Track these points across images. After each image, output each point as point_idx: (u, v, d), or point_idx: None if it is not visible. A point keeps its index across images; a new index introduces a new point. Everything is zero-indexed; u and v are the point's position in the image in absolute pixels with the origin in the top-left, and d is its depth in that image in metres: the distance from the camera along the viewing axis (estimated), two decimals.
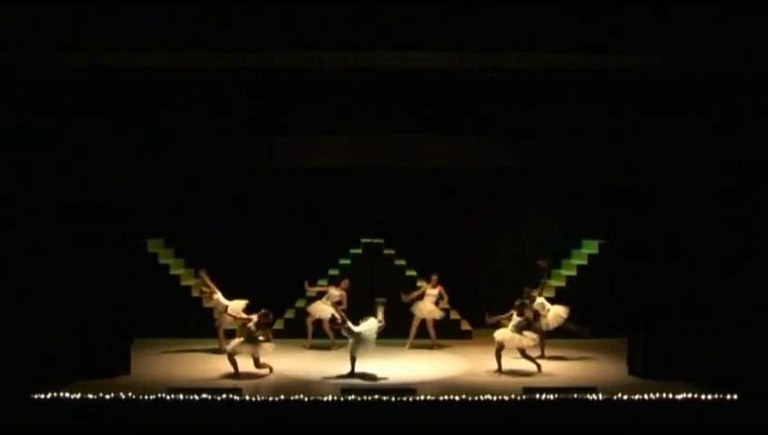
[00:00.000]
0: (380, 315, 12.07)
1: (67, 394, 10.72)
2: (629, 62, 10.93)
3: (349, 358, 12.00)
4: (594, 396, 10.72)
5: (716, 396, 10.80)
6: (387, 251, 15.40)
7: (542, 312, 12.84)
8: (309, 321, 13.92)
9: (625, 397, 10.73)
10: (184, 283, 14.98)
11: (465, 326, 14.93)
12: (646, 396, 10.75)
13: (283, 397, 10.64)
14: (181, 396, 10.58)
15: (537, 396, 10.68)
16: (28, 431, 10.32)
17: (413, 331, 14.00)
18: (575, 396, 10.73)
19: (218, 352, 13.18)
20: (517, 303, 12.31)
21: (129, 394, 10.63)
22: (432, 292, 13.81)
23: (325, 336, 13.77)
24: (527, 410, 10.52)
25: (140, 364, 12.48)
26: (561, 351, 13.48)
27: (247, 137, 12.49)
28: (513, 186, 15.63)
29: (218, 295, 13.29)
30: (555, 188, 15.67)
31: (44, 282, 11.49)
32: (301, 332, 14.06)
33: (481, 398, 10.62)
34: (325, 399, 10.58)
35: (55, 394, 10.68)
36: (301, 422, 10.37)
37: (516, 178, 15.42)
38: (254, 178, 15.25)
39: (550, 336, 13.26)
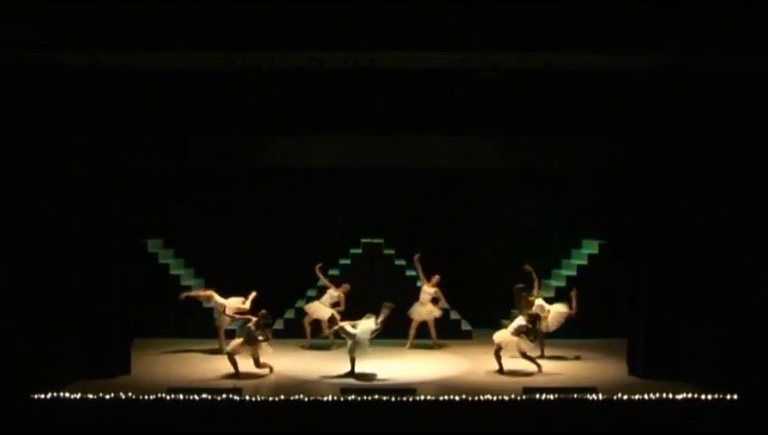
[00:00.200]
0: (381, 318, 12.05)
1: (67, 394, 10.71)
2: (629, 62, 10.93)
3: (348, 358, 12.00)
4: (594, 396, 10.72)
5: (716, 396, 10.79)
6: (387, 251, 15.41)
7: (541, 314, 12.83)
8: (306, 321, 13.93)
9: (625, 397, 10.72)
10: (184, 283, 14.97)
11: (466, 326, 14.94)
12: (646, 396, 10.74)
13: (283, 397, 10.64)
14: (181, 396, 10.57)
15: (537, 396, 10.67)
16: (28, 431, 10.32)
17: (412, 332, 14.00)
18: (575, 396, 10.72)
19: (217, 352, 13.19)
20: (532, 312, 12.32)
21: (129, 394, 10.62)
22: (429, 290, 13.80)
23: (325, 336, 13.76)
24: (527, 410, 10.52)
25: (140, 364, 12.47)
26: (561, 351, 13.48)
27: (247, 137, 12.49)
28: (513, 186, 15.63)
29: (215, 296, 13.29)
30: (555, 188, 15.68)
31: (44, 282, 11.49)
32: (300, 332, 14.05)
33: (481, 398, 10.61)
34: (325, 399, 10.57)
35: (55, 394, 10.67)
36: (301, 422, 10.37)
37: (516, 179, 15.41)
38: (254, 178, 15.25)
39: (549, 336, 13.24)
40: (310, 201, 15.72)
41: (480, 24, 10.29)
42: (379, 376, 11.98)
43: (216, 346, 13.39)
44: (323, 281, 13.89)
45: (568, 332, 13.47)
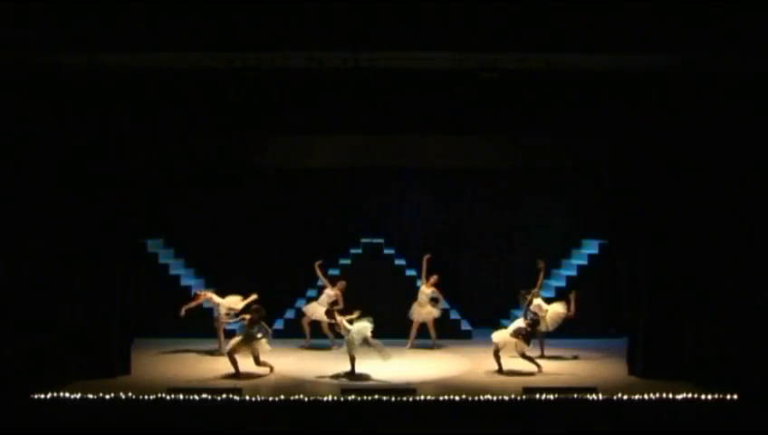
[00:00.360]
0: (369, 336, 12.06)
1: (67, 394, 10.71)
2: (629, 62, 10.93)
3: (348, 358, 12.00)
4: (594, 396, 10.72)
5: (716, 396, 10.79)
6: (387, 251, 15.41)
7: (540, 314, 12.83)
8: (304, 322, 13.93)
9: (625, 397, 10.73)
10: (184, 283, 14.98)
11: (465, 326, 14.94)
12: (646, 396, 10.74)
13: (283, 397, 10.64)
14: (181, 396, 10.57)
15: (537, 396, 10.68)
16: (28, 431, 10.32)
17: (413, 332, 14.01)
18: (575, 396, 10.73)
19: (216, 352, 13.23)
20: (533, 317, 12.32)
21: (129, 394, 10.63)
22: (426, 291, 13.80)
23: (324, 336, 13.77)
24: (527, 410, 10.52)
25: (140, 364, 12.47)
26: (561, 351, 13.47)
27: (247, 137, 12.49)
28: (513, 186, 15.63)
29: (213, 296, 13.30)
30: (555, 188, 15.68)
31: (44, 282, 11.49)
32: (301, 332, 14.05)
33: (481, 398, 10.62)
34: (325, 399, 10.58)
35: (55, 394, 10.67)
36: (301, 422, 10.37)
37: (516, 178, 15.42)
38: (254, 178, 15.25)
39: (549, 336, 13.25)
40: (310, 201, 15.73)
41: (480, 24, 10.29)
42: (379, 376, 11.98)
43: (215, 346, 13.38)
44: (322, 279, 13.89)
45: (568, 332, 13.48)
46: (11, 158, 11.37)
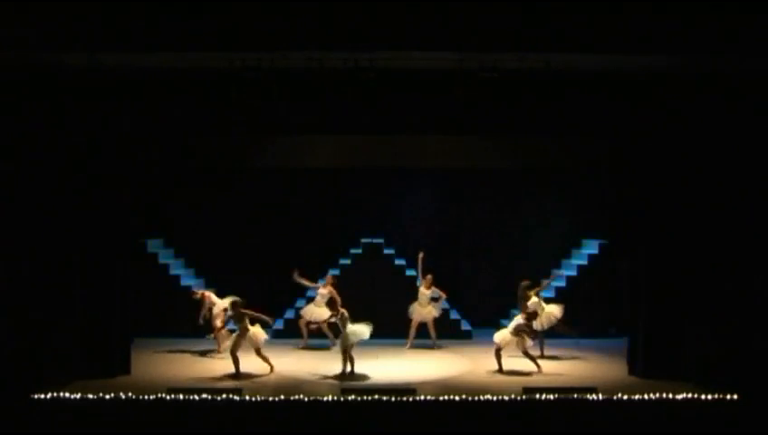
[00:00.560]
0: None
1: (67, 394, 10.71)
2: (629, 62, 10.93)
3: (347, 357, 11.99)
4: (594, 396, 10.72)
5: (716, 396, 10.79)
6: (387, 251, 15.41)
7: (537, 311, 12.84)
8: (302, 323, 13.93)
9: (625, 397, 10.73)
10: (184, 283, 14.98)
11: (465, 326, 14.94)
12: (646, 396, 10.74)
13: (282, 397, 10.64)
14: (181, 396, 10.57)
15: (537, 396, 10.68)
16: (28, 431, 10.32)
17: (412, 332, 14.01)
18: (575, 396, 10.73)
19: (206, 354, 13.24)
20: (530, 310, 12.31)
21: (129, 394, 10.63)
22: (425, 292, 13.80)
23: (324, 337, 13.77)
24: (527, 410, 10.52)
25: (140, 364, 12.47)
26: (561, 351, 13.47)
27: (247, 137, 12.49)
28: (513, 186, 15.63)
29: (211, 296, 13.30)
30: (555, 188, 15.68)
31: (44, 282, 11.49)
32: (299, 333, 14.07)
33: (481, 398, 10.62)
34: (325, 399, 10.58)
35: (55, 394, 10.67)
36: (301, 422, 10.37)
37: (516, 178, 15.42)
38: (254, 178, 15.25)
39: (549, 336, 13.25)
40: (310, 201, 15.73)
41: (480, 24, 10.29)
42: (379, 376, 11.98)
43: (214, 347, 13.38)
44: (307, 284, 13.85)
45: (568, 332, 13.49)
46: (11, 158, 11.36)
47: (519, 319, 12.18)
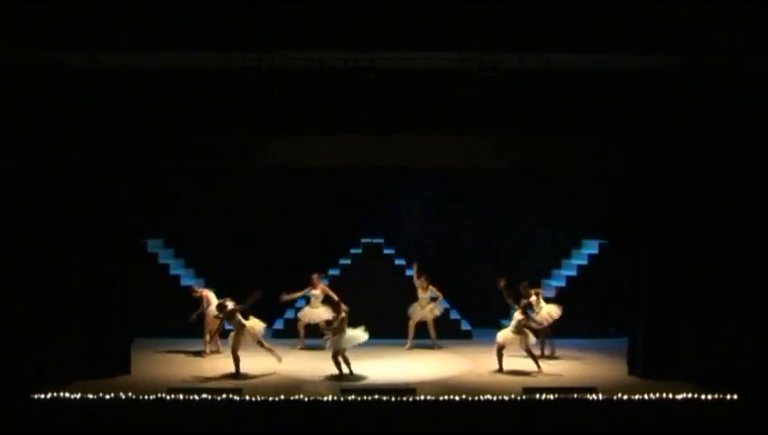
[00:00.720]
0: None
1: (67, 394, 10.71)
2: (630, 62, 10.93)
3: (338, 362, 11.98)
4: (594, 396, 10.72)
5: (716, 396, 10.79)
6: (387, 251, 15.41)
7: (535, 308, 12.84)
8: (300, 325, 13.91)
9: (625, 397, 10.73)
10: (184, 283, 14.98)
11: (465, 326, 14.94)
12: (646, 396, 10.74)
13: (283, 397, 10.64)
14: (181, 396, 10.57)
15: (537, 396, 10.68)
16: (28, 431, 10.32)
17: (411, 332, 13.99)
18: (575, 396, 10.73)
19: (200, 353, 13.28)
20: (524, 302, 12.30)
21: (129, 394, 10.63)
22: (424, 295, 13.80)
23: (323, 336, 13.74)
24: (527, 410, 10.52)
25: (140, 364, 12.47)
26: (561, 351, 13.47)
27: (247, 137, 12.49)
28: (513, 186, 15.63)
29: (208, 294, 13.30)
30: (555, 188, 15.68)
31: (44, 282, 11.49)
32: (311, 332, 14.05)
33: (481, 398, 10.62)
34: (325, 399, 10.58)
35: (55, 394, 10.67)
36: (301, 422, 10.37)
37: (516, 179, 15.42)
38: (254, 178, 15.25)
39: (549, 336, 13.24)
40: (310, 201, 15.72)
41: (480, 23, 10.29)
42: (379, 376, 11.98)
43: (215, 347, 13.38)
44: (296, 296, 13.80)
45: (568, 332, 13.48)
46: (11, 158, 11.36)
47: (518, 315, 12.17)
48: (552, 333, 13.16)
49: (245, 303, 11.98)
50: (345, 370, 11.92)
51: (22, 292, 11.41)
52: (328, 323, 12.42)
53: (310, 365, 12.66)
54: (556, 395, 10.68)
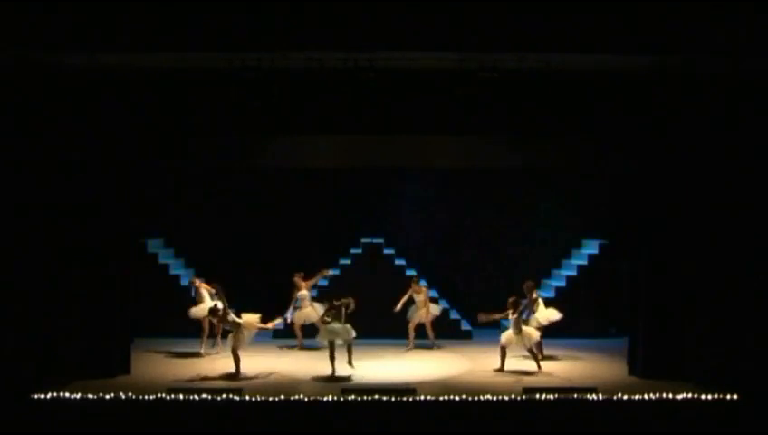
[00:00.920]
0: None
1: (67, 394, 10.71)
2: (630, 62, 10.93)
3: (344, 358, 11.98)
4: (594, 396, 10.72)
5: (716, 396, 10.79)
6: (387, 251, 15.41)
7: (534, 306, 12.84)
8: (297, 326, 13.90)
9: (625, 397, 10.73)
10: (184, 283, 14.98)
11: (465, 326, 14.94)
12: (646, 396, 10.74)
13: (283, 397, 10.64)
14: (181, 396, 10.57)
15: (537, 396, 10.68)
16: (28, 431, 10.32)
17: (411, 333, 13.98)
18: (575, 396, 10.73)
19: (199, 355, 13.28)
20: (510, 300, 12.26)
21: (129, 394, 10.63)
22: (418, 297, 13.79)
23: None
24: (527, 410, 10.52)
25: (140, 364, 12.48)
26: (561, 351, 13.47)
27: (247, 137, 12.50)
28: (514, 186, 15.63)
29: (205, 290, 13.32)
30: (555, 188, 15.68)
31: (44, 282, 11.49)
32: (309, 332, 14.03)
33: (481, 398, 10.62)
34: (325, 399, 10.58)
35: (55, 394, 10.67)
36: (301, 422, 10.37)
37: (516, 178, 15.42)
38: (254, 178, 15.25)
39: (548, 336, 13.24)
40: (310, 201, 15.73)
41: (480, 23, 10.29)
42: (379, 376, 11.98)
43: (215, 347, 13.39)
44: (292, 307, 13.77)
45: (568, 332, 13.48)
46: (11, 158, 11.36)
47: (511, 316, 12.13)
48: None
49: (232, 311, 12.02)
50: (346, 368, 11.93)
51: (22, 292, 11.40)
52: (331, 307, 12.31)
53: (309, 365, 12.63)
54: (556, 395, 10.68)
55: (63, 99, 11.36)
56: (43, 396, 10.60)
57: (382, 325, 13.73)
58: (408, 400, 10.57)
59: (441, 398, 10.60)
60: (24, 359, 11.27)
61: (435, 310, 13.94)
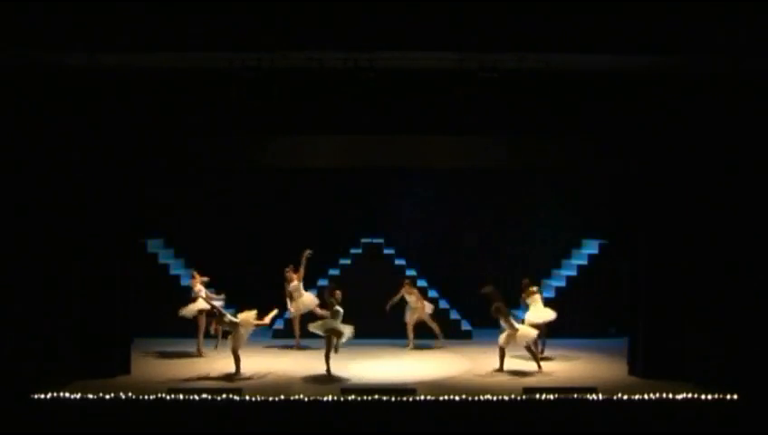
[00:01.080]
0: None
1: (67, 394, 10.71)
2: (629, 62, 10.93)
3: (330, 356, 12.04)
4: (594, 396, 10.72)
5: (716, 396, 10.79)
6: (387, 251, 15.41)
7: (532, 303, 12.84)
8: (296, 322, 13.88)
9: (625, 397, 10.73)
10: (184, 283, 14.97)
11: (466, 326, 14.93)
12: (646, 396, 10.74)
13: (283, 397, 10.64)
14: (181, 396, 10.57)
15: (537, 396, 10.68)
16: (28, 431, 10.32)
17: (411, 334, 13.98)
18: (575, 396, 10.73)
19: (198, 355, 13.27)
20: (494, 306, 12.21)
21: (129, 394, 10.63)
22: (410, 298, 13.79)
23: (320, 337, 13.73)
24: (527, 410, 10.52)
25: (140, 364, 12.48)
26: (561, 351, 13.47)
27: (247, 137, 12.49)
28: (514, 186, 15.63)
29: (201, 288, 13.32)
30: (555, 188, 15.68)
31: (44, 282, 11.49)
32: (305, 332, 14.01)
33: (481, 398, 10.62)
34: (325, 399, 10.58)
35: (55, 394, 10.67)
36: (301, 422, 10.36)
37: (517, 178, 15.41)
38: (254, 178, 15.25)
39: (550, 336, 13.23)
40: (310, 201, 15.72)
41: (480, 23, 10.29)
42: (379, 376, 11.98)
43: (215, 346, 13.38)
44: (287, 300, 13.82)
45: (568, 332, 13.48)
46: (11, 157, 11.36)
47: (503, 323, 12.15)
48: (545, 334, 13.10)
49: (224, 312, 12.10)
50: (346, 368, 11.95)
51: (22, 292, 11.40)
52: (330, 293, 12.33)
53: (309, 365, 12.63)
54: (556, 395, 10.68)
55: (63, 99, 11.35)
56: (43, 396, 10.60)
57: (382, 325, 13.73)
58: (407, 400, 10.57)
59: (441, 398, 10.60)
60: (23, 359, 11.27)
61: (428, 308, 13.92)
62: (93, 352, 11.80)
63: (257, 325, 12.09)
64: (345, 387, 11.06)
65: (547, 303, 13.33)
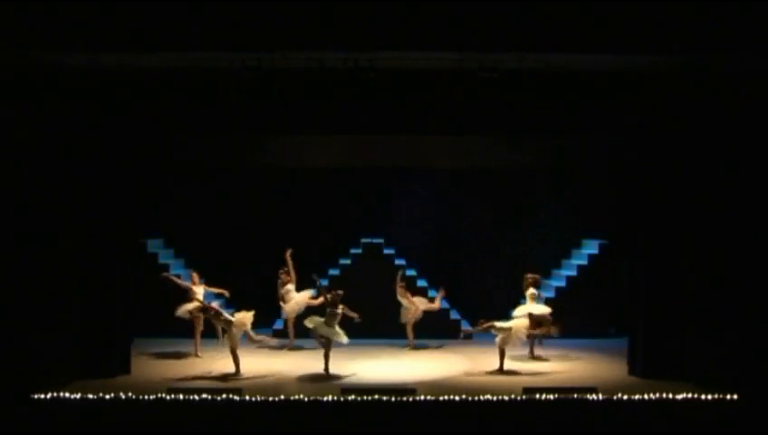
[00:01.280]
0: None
1: (67, 394, 10.71)
2: (630, 62, 10.93)
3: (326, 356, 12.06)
4: (594, 396, 10.72)
5: (716, 396, 10.79)
6: (387, 251, 15.41)
7: (531, 302, 12.85)
8: (289, 323, 13.89)
9: (625, 397, 10.73)
10: (184, 283, 14.95)
11: (466, 326, 14.90)
12: (646, 396, 10.74)
13: (282, 397, 10.64)
14: (181, 396, 10.57)
15: (537, 396, 10.68)
16: (28, 431, 10.32)
17: (410, 334, 13.98)
18: (575, 396, 10.73)
19: (196, 355, 13.27)
20: (481, 321, 12.35)
21: (129, 394, 10.63)
22: (404, 301, 13.79)
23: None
24: (527, 410, 10.52)
25: (140, 364, 12.48)
26: (561, 351, 13.47)
27: (247, 137, 12.49)
28: (514, 186, 15.63)
29: (198, 290, 13.32)
30: (555, 188, 15.68)
31: (44, 281, 11.49)
32: (302, 332, 14.01)
33: (481, 398, 10.62)
34: (325, 399, 10.58)
35: (55, 394, 10.67)
36: (301, 422, 10.37)
37: (517, 178, 15.42)
38: (254, 178, 15.25)
39: (549, 336, 13.22)
40: (309, 201, 15.72)
41: (480, 23, 10.29)
42: (379, 376, 11.98)
43: (215, 346, 13.37)
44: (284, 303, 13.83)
45: (568, 332, 13.46)
46: (11, 157, 11.37)
47: (496, 327, 12.18)
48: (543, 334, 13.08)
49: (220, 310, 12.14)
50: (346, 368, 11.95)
51: (22, 292, 11.40)
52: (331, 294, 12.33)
53: (309, 365, 12.62)
54: (556, 395, 10.68)
55: (63, 99, 11.36)
56: (43, 396, 10.60)
57: (381, 325, 13.73)
58: (407, 400, 10.57)
59: (441, 398, 10.60)
60: (24, 359, 11.27)
61: (421, 305, 13.90)
62: (93, 352, 11.80)
63: (248, 334, 12.05)
64: (345, 387, 11.06)
65: (547, 303, 13.34)
